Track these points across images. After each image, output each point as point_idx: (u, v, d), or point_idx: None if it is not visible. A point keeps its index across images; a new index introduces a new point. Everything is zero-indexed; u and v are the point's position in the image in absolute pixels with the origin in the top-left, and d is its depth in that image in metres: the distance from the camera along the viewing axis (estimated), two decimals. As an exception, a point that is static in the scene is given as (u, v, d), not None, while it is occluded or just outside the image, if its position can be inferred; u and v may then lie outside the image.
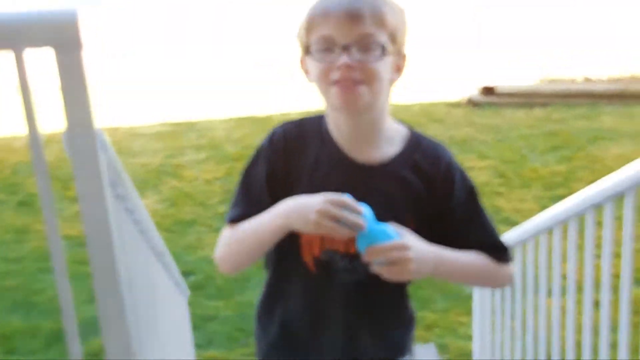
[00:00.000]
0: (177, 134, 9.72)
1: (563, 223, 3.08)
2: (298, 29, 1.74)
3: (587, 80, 10.62)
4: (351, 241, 1.63)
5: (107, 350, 1.50)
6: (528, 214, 4.51)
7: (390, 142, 1.79)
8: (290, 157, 1.78)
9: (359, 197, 1.59)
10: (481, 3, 16.58)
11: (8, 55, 1.32)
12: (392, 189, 1.77)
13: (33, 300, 5.43)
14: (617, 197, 2.57)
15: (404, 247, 1.58)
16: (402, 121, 1.87)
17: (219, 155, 8.75)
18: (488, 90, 10.98)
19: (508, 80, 11.30)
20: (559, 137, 9.10)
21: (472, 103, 11.01)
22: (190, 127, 10.00)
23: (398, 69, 1.74)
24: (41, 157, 1.38)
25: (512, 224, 5.09)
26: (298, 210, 1.61)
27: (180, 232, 6.76)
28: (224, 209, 7.10)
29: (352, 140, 1.77)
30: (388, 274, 1.59)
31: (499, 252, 1.84)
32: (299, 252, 1.80)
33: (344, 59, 1.59)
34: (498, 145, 9.17)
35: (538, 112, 10.26)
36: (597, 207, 2.70)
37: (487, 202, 7.46)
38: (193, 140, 9.44)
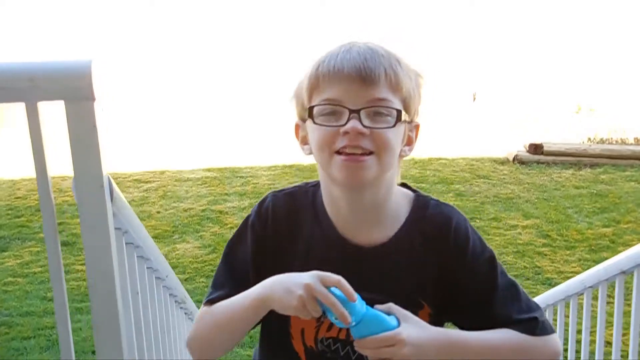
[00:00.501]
0: (221, 180, 9.82)
1: (593, 288, 3.03)
2: (296, 89, 1.56)
3: (638, 141, 10.46)
4: None
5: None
6: (571, 277, 4.43)
7: (393, 218, 1.57)
8: (280, 236, 1.59)
9: (360, 286, 1.39)
10: (533, 61, 16.58)
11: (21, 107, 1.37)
12: (398, 272, 1.55)
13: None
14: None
15: (396, 341, 1.39)
16: (407, 185, 1.65)
17: (263, 201, 8.80)
18: (536, 148, 10.89)
19: (557, 138, 11.21)
20: (606, 199, 8.96)
21: (518, 160, 10.92)
22: (234, 173, 10.09)
23: (409, 142, 1.55)
24: (49, 198, 1.42)
25: (554, 286, 5.00)
26: (283, 282, 1.40)
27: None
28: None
29: (350, 219, 1.56)
30: None
31: (532, 325, 1.56)
32: (289, 340, 1.59)
33: (353, 124, 1.40)
34: (543, 205, 9.06)
35: (586, 172, 10.14)
36: (627, 272, 2.66)
37: (529, 263, 7.46)
38: (237, 187, 9.52)
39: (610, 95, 13.06)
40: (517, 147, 11.21)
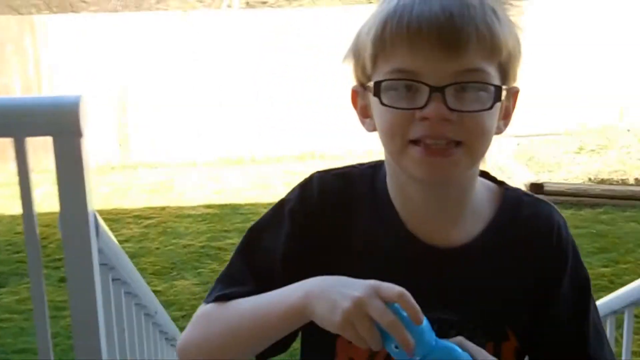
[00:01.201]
0: (222, 217, 9.80)
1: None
2: (354, 44, 1.21)
3: (638, 182, 10.47)
4: None
5: None
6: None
7: (477, 214, 1.25)
8: (329, 227, 1.25)
9: (431, 299, 1.08)
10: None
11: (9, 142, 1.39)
12: (482, 284, 1.21)
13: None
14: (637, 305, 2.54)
15: None
16: (488, 174, 1.33)
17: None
18: (536, 188, 10.90)
19: (557, 178, 11.22)
20: (606, 239, 8.92)
21: (519, 200, 10.90)
22: (235, 210, 10.09)
23: (507, 114, 1.20)
24: (34, 235, 1.44)
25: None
26: (328, 290, 1.03)
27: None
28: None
29: (424, 214, 1.23)
30: None
31: None
32: None
33: (435, 107, 1.06)
34: (543, 244, 8.99)
35: (586, 212, 10.13)
36: (617, 312, 2.66)
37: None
38: (237, 224, 9.50)
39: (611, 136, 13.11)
40: (518, 185, 11.21)
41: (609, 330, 2.69)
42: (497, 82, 1.11)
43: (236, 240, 9.05)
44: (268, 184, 11.01)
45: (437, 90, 1.06)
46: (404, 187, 1.22)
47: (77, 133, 1.38)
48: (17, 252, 8.09)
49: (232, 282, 1.24)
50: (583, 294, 1.25)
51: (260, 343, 1.19)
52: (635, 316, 2.81)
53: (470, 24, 1.06)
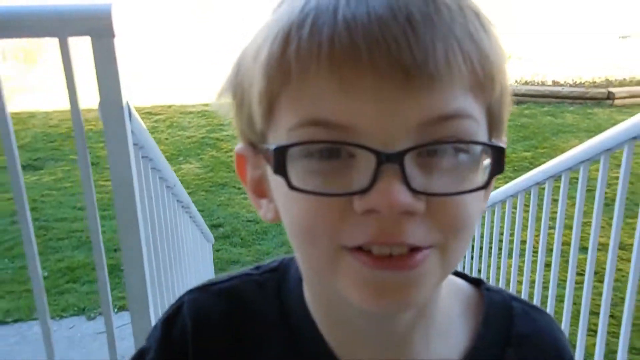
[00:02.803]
0: (218, 113, 9.73)
1: (513, 197, 3.10)
2: (236, 73, 0.57)
3: (555, 83, 10.50)
4: None
5: (127, 282, 1.55)
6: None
7: (447, 338, 0.64)
8: None
9: None
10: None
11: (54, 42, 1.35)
12: None
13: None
14: (556, 177, 2.59)
15: None
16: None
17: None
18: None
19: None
20: (528, 130, 9.00)
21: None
22: (230, 107, 10.00)
23: (489, 184, 0.51)
24: (81, 126, 1.42)
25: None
26: None
27: (215, 192, 6.81)
28: (252, 175, 7.14)
29: (368, 345, 0.61)
30: None
31: None
32: None
33: (388, 192, 0.46)
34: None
35: (513, 108, 10.15)
36: (540, 184, 2.72)
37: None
38: (231, 119, 9.45)
39: (534, 44, 13.02)
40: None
41: (532, 197, 2.74)
42: (485, 135, 0.52)
43: (231, 132, 9.03)
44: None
45: (390, 160, 0.47)
46: (331, 309, 0.62)
47: (111, 34, 1.34)
48: (52, 142, 8.02)
49: None
50: None
51: None
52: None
53: (444, 35, 0.47)
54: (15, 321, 4.16)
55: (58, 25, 1.30)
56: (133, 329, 1.52)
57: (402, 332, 0.61)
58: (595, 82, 10.10)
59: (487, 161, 0.50)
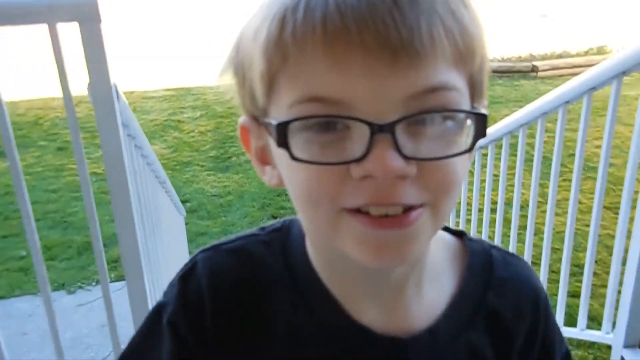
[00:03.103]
0: (178, 97, 9.55)
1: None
2: (237, 51, 0.58)
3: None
4: None
5: (121, 249, 1.55)
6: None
7: (437, 284, 0.67)
8: (232, 322, 0.66)
9: None
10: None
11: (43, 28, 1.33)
12: None
13: (68, 220, 5.42)
14: (497, 141, 2.66)
15: None
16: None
17: (210, 114, 8.64)
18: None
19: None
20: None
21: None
22: (187, 91, 9.82)
23: (473, 147, 0.53)
24: (73, 111, 1.40)
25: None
26: None
27: (180, 171, 6.74)
28: (214, 153, 7.13)
29: (367, 294, 0.65)
30: None
31: None
32: None
33: (382, 158, 0.48)
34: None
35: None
36: (483, 147, 2.79)
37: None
38: (190, 102, 9.29)
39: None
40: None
41: (477, 160, 2.80)
42: (468, 102, 0.54)
43: (191, 114, 8.92)
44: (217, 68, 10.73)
45: (383, 130, 0.48)
46: (332, 263, 0.64)
47: (97, 19, 1.33)
48: (20, 130, 7.78)
49: None
50: None
51: None
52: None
53: (428, 13, 0.48)
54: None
55: (47, 13, 1.27)
56: (129, 292, 1.53)
57: (398, 281, 0.64)
58: (520, 57, 10.30)
59: (470, 124, 0.53)
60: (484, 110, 0.53)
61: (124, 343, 0.71)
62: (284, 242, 0.69)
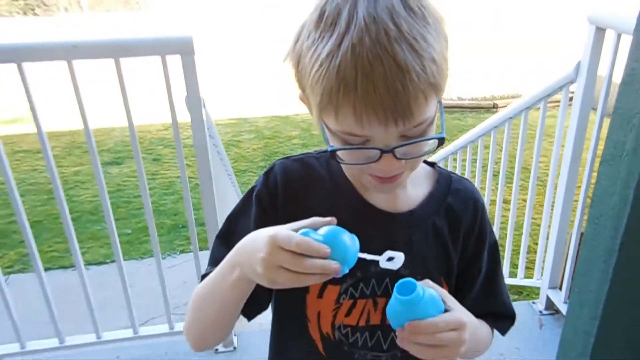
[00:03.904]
0: (237, 124, 9.67)
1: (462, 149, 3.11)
2: (298, 55, 0.66)
3: (459, 98, 10.59)
4: (375, 310, 0.79)
5: (206, 217, 1.60)
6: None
7: (418, 188, 0.83)
8: (293, 206, 0.78)
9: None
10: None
11: (156, 59, 1.39)
12: (424, 242, 0.81)
13: (160, 209, 5.51)
14: (474, 142, 2.73)
15: (460, 326, 0.67)
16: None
17: (260, 136, 8.71)
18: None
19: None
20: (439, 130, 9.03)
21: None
22: (244, 120, 9.93)
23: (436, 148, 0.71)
24: (177, 133, 1.46)
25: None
26: (246, 255, 0.66)
27: (239, 176, 6.81)
28: (263, 164, 7.18)
29: (377, 191, 0.79)
30: (429, 355, 0.66)
31: (507, 324, 0.89)
32: (306, 324, 0.81)
33: (387, 163, 0.66)
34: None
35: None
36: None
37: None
38: (246, 127, 9.39)
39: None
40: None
41: (459, 158, 2.81)
42: (435, 104, 0.64)
43: (247, 136, 8.82)
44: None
45: (386, 152, 0.64)
46: (355, 177, 0.78)
47: (192, 52, 1.39)
48: (127, 146, 7.92)
49: (215, 263, 0.76)
50: (495, 254, 0.87)
51: (224, 311, 0.74)
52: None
53: (416, 91, 0.59)
54: None
55: (160, 47, 1.34)
56: (208, 238, 1.57)
57: (398, 190, 0.80)
58: (485, 97, 10.26)
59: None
60: (443, 135, 0.66)
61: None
62: (327, 159, 0.83)
